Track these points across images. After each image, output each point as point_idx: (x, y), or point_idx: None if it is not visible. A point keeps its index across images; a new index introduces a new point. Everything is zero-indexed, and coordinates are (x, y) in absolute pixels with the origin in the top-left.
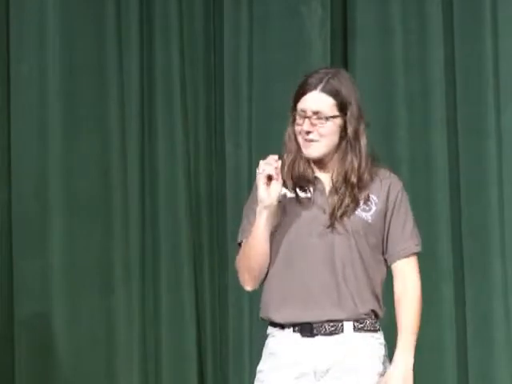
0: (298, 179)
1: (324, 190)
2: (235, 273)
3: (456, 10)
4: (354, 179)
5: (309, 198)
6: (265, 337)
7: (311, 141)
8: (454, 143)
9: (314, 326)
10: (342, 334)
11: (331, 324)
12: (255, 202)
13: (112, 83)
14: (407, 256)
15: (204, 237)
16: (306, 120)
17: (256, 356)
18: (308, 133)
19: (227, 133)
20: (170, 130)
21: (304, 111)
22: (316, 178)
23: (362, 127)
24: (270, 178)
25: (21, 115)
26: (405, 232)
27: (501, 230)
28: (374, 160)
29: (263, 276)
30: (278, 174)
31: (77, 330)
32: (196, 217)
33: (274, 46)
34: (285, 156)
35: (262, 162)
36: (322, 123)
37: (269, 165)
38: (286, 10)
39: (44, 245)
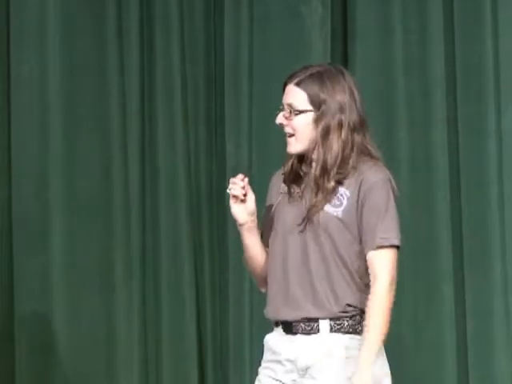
0: (294, 175)
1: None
2: (236, 271)
3: (456, 9)
4: (317, 173)
5: (299, 195)
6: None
7: (289, 136)
8: (454, 143)
9: (293, 324)
10: (319, 334)
11: (307, 323)
12: (267, 202)
13: (112, 83)
14: (377, 248)
15: (204, 235)
16: (280, 113)
17: (256, 354)
18: (282, 126)
19: (227, 133)
20: (170, 129)
21: (282, 104)
22: (306, 173)
23: (335, 123)
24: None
25: (21, 115)
26: (379, 225)
27: (501, 230)
28: (363, 155)
29: None
30: (245, 193)
31: (77, 329)
32: (196, 216)
33: (274, 45)
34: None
35: (231, 181)
36: (293, 116)
37: (235, 184)
38: (286, 10)
39: (44, 244)
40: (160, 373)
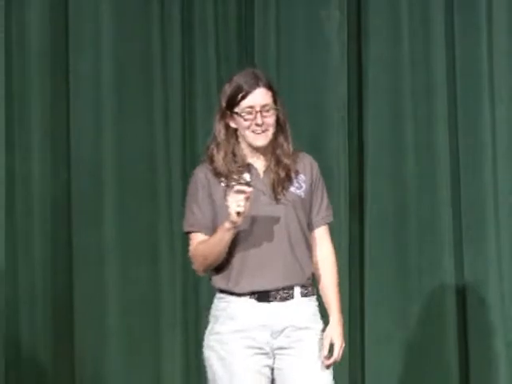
0: (236, 168)
1: (258, 174)
2: None
3: (456, 16)
4: (285, 160)
5: (249, 183)
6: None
7: (263, 132)
8: (454, 132)
9: (271, 293)
10: (292, 300)
11: (285, 291)
12: (199, 193)
13: (157, 79)
14: (326, 224)
15: None
16: (258, 114)
17: None
18: (259, 125)
19: None
20: (208, 121)
21: (252, 107)
22: (249, 164)
23: (286, 117)
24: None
25: (78, 109)
26: (323, 203)
27: (495, 207)
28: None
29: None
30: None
31: (127, 295)
32: None
33: (298, 47)
34: (213, 150)
35: (239, 188)
36: (270, 115)
37: (244, 192)
38: (308, 16)
39: (99, 220)
40: (199, 332)
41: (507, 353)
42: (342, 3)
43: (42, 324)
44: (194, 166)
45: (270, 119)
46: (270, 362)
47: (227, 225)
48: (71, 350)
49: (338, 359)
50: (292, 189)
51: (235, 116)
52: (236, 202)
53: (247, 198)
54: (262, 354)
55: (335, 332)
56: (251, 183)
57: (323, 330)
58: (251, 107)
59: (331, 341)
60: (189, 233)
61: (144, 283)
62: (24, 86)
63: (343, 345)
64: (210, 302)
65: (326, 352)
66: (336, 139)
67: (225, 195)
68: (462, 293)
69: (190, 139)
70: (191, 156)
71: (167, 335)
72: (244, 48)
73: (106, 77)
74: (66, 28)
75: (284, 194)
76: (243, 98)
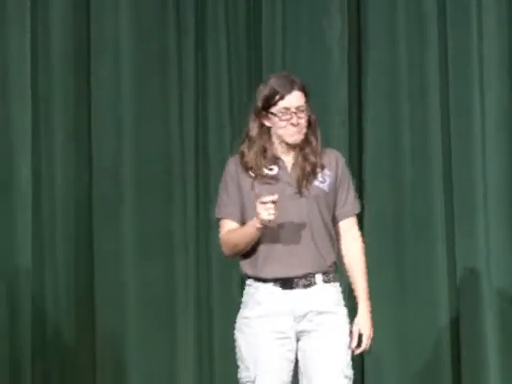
0: (266, 162)
1: (286, 167)
2: None
3: (449, 23)
4: (312, 158)
5: (276, 176)
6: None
7: (298, 131)
8: (446, 133)
9: (294, 280)
10: (314, 286)
11: (307, 278)
12: (228, 184)
13: (172, 82)
14: (352, 215)
15: None
16: (293, 115)
17: None
18: (294, 125)
19: None
20: (218, 120)
21: (288, 108)
22: (279, 158)
23: (316, 116)
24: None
25: (99, 111)
26: (349, 195)
27: (484, 200)
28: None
29: None
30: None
31: (145, 285)
32: None
33: (302, 52)
34: (245, 147)
35: (266, 199)
36: (303, 115)
37: (273, 201)
38: (311, 24)
39: (118, 219)
40: (211, 320)
41: (496, 338)
42: (343, 10)
43: (66, 305)
44: (205, 165)
45: (304, 119)
46: (293, 346)
47: (258, 225)
48: (92, 338)
49: (368, 349)
50: (316, 183)
51: (270, 116)
52: (266, 211)
53: (275, 204)
54: (286, 338)
55: (364, 322)
56: (278, 176)
57: (349, 316)
58: (287, 108)
59: (360, 331)
60: (219, 219)
61: (160, 277)
62: (48, 86)
63: (372, 335)
64: (220, 296)
65: (355, 342)
66: (337, 141)
67: (252, 187)
68: (454, 285)
69: (203, 142)
70: (203, 157)
71: (181, 324)
72: (252, 55)
73: (124, 80)
74: (88, 29)
75: (308, 189)
76: (280, 99)
